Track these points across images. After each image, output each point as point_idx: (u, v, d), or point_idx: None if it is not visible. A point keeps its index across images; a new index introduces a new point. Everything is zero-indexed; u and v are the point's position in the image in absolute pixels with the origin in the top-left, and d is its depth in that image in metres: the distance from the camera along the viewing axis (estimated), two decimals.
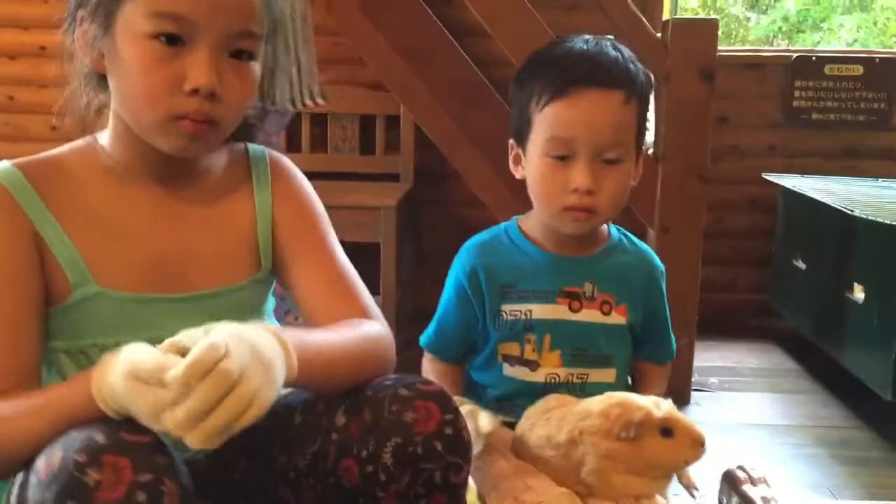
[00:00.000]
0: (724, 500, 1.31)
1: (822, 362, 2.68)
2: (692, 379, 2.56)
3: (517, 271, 1.23)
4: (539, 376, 1.22)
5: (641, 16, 2.37)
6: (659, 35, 2.34)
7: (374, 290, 2.82)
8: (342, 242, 2.68)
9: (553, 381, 1.22)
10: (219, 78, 0.93)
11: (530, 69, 1.22)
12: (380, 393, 0.95)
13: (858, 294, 2.40)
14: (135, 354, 0.82)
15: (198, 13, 0.92)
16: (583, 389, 1.21)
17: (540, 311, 1.22)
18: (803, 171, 3.22)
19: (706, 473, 1.95)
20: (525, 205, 2.47)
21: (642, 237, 2.58)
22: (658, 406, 1.04)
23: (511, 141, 1.26)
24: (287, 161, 1.16)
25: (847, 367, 2.48)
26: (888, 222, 2.22)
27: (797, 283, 2.91)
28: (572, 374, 1.22)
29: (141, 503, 0.76)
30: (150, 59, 0.92)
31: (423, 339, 1.34)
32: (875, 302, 2.31)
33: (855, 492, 1.99)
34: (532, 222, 1.28)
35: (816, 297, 2.75)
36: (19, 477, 0.89)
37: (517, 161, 1.25)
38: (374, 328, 1.03)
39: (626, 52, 1.21)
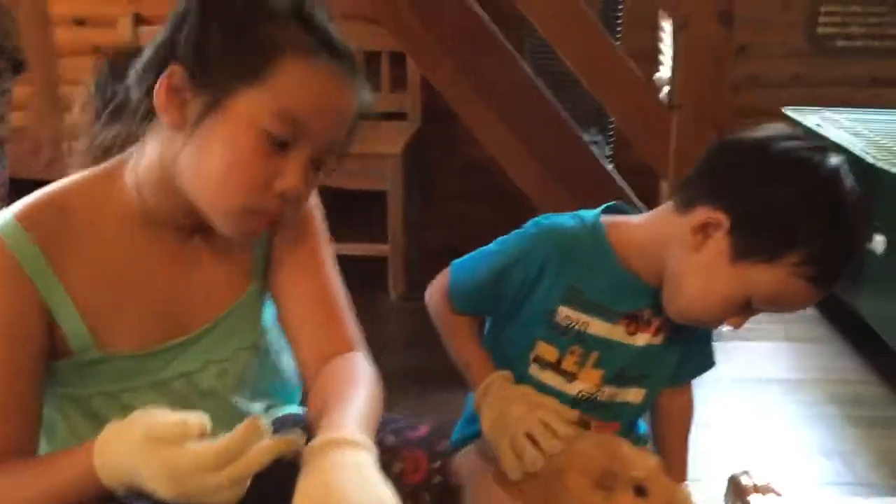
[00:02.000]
0: None
1: (839, 308, 2.63)
2: None
3: (589, 278, 1.13)
4: (571, 389, 1.15)
5: None
6: None
7: (381, 237, 2.80)
8: (349, 191, 2.63)
9: (582, 396, 1.16)
10: (305, 181, 0.91)
11: None
12: None
13: (879, 244, 2.32)
14: (151, 418, 0.81)
15: (319, 128, 0.90)
16: (610, 407, 1.17)
17: (597, 327, 1.13)
18: (828, 101, 3.08)
19: (722, 441, 1.96)
20: (530, 151, 2.40)
21: (655, 190, 2.53)
22: (644, 462, 1.01)
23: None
24: None
25: (864, 317, 2.43)
26: None
27: None
28: (604, 391, 1.17)
29: None
30: (253, 152, 0.89)
31: (454, 265, 1.21)
32: (894, 254, 2.25)
33: (867, 458, 1.97)
34: (627, 237, 1.15)
35: None
36: None
37: None
38: (366, 366, 0.99)
39: None
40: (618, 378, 1.16)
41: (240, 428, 0.79)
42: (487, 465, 1.13)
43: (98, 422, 0.88)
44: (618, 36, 2.77)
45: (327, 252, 1.06)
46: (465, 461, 1.18)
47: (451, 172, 3.17)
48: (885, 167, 2.23)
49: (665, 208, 1.14)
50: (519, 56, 2.42)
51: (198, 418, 0.81)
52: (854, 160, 2.40)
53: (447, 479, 0.93)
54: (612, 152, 2.89)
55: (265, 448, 0.79)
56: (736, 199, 1.04)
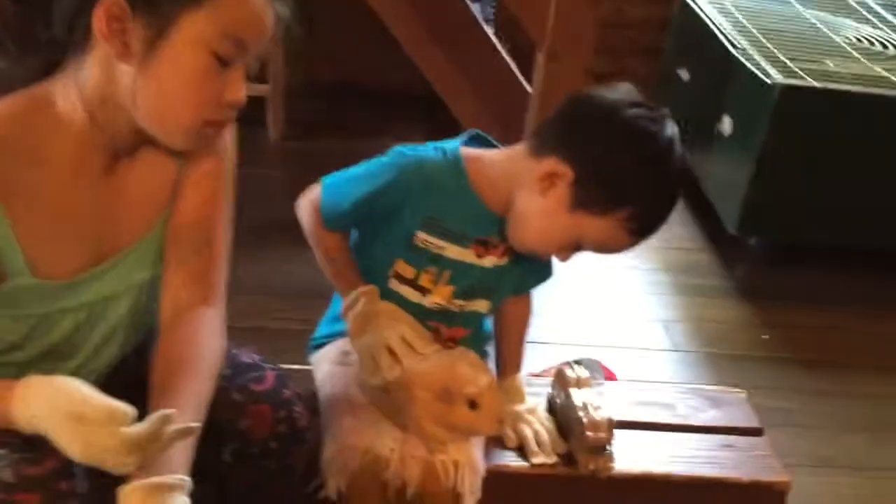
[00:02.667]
0: (556, 396, 1.51)
1: (691, 171, 2.86)
2: None
3: (447, 208, 1.24)
4: (425, 302, 1.28)
5: None
6: None
7: (262, 76, 2.77)
8: None
9: (436, 307, 1.30)
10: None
11: None
12: (216, 396, 1.01)
13: (726, 126, 2.52)
14: (80, 394, 0.88)
15: (255, 43, 0.98)
16: (457, 316, 1.32)
17: (451, 250, 1.25)
18: None
19: (571, 312, 2.17)
20: (417, 16, 2.42)
21: (529, 61, 2.61)
22: (476, 380, 1.19)
23: None
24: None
25: (706, 192, 2.67)
26: (759, 73, 2.29)
27: (678, 94, 2.99)
28: (455, 303, 1.31)
29: None
30: (203, 71, 0.95)
31: (326, 183, 1.29)
32: (738, 139, 2.45)
33: (687, 325, 2.25)
34: (484, 170, 1.25)
35: (692, 115, 2.86)
36: None
37: None
38: (213, 329, 1.07)
39: None
40: (466, 293, 1.30)
41: (154, 419, 0.87)
42: (346, 367, 1.29)
43: (26, 337, 0.99)
44: None
45: (227, 200, 1.14)
46: (321, 361, 1.34)
47: (338, 5, 3.09)
48: (740, 58, 2.38)
49: (519, 149, 1.25)
50: None
51: (126, 408, 0.88)
52: (717, 43, 2.55)
53: (293, 425, 1.06)
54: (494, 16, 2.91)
55: (170, 437, 0.89)
56: (581, 157, 1.16)
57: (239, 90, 0.98)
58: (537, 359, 1.72)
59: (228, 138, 1.13)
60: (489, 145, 1.31)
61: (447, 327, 1.31)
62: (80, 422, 0.87)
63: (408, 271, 1.28)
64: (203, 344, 1.04)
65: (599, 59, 3.34)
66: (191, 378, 1.00)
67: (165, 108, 0.97)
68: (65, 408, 0.88)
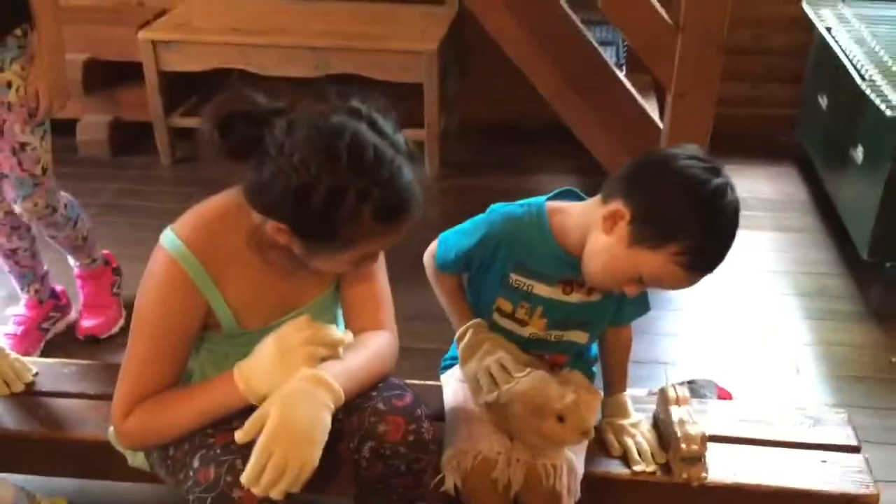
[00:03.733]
0: (658, 412, 1.70)
1: (830, 197, 2.92)
2: None
3: (532, 254, 1.48)
4: (524, 332, 1.54)
5: None
6: None
7: (418, 124, 3.11)
8: (388, 83, 2.94)
9: (534, 337, 1.56)
10: None
11: None
12: (366, 403, 1.32)
13: (859, 154, 2.59)
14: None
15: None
16: (557, 345, 1.56)
17: (540, 289, 1.50)
18: None
19: (699, 335, 2.33)
20: (553, 63, 2.65)
21: (661, 101, 2.77)
22: (563, 397, 1.40)
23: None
24: None
25: (842, 217, 2.74)
26: (882, 105, 2.36)
27: (817, 120, 3.06)
28: (551, 334, 1.56)
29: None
30: (341, 267, 1.36)
31: (442, 237, 1.57)
32: (869, 167, 2.52)
33: (816, 348, 2.34)
34: (562, 218, 1.47)
35: (829, 142, 2.93)
36: (158, 449, 1.37)
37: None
38: (385, 339, 1.40)
39: None
40: (560, 324, 1.53)
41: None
42: (465, 385, 1.56)
43: (221, 364, 1.33)
44: None
45: (381, 263, 1.46)
46: (448, 379, 1.62)
47: (489, 47, 3.30)
48: (869, 93, 2.45)
49: (596, 198, 1.46)
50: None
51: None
52: (847, 74, 2.62)
53: (419, 437, 1.31)
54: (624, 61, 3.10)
55: (340, 337, 1.27)
56: (638, 198, 1.35)
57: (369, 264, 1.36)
58: (667, 378, 1.87)
59: None
60: (578, 198, 1.53)
61: (549, 354, 1.54)
62: (277, 332, 1.25)
63: (506, 306, 1.53)
64: (375, 341, 1.38)
65: (740, 86, 3.46)
66: (363, 351, 1.34)
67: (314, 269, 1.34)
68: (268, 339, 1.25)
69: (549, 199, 1.51)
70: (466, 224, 1.53)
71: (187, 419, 1.30)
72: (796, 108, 3.35)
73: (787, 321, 2.46)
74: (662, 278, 1.37)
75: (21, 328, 2.25)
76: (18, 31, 1.91)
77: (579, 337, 1.56)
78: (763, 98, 3.52)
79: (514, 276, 1.50)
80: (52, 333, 2.32)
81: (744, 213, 3.00)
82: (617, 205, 1.37)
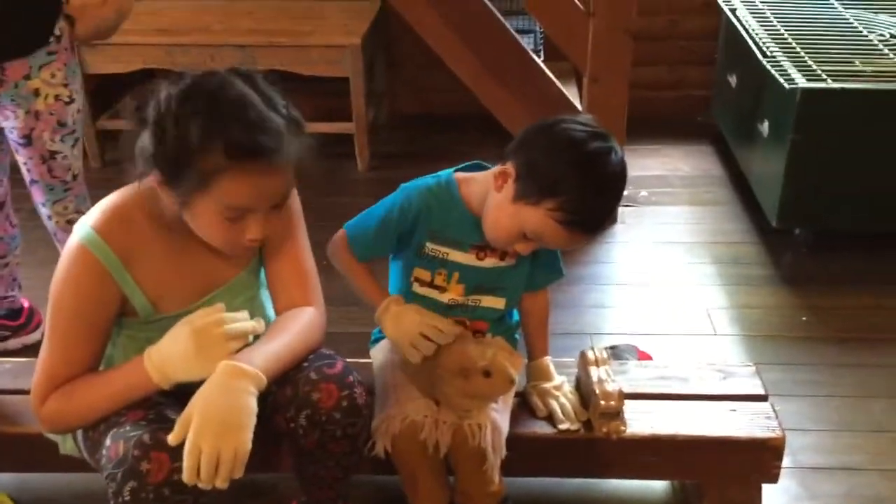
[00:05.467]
0: (579, 374, 1.79)
1: (742, 171, 3.06)
2: (623, 193, 2.97)
3: (445, 222, 1.56)
4: (443, 298, 1.61)
5: None
6: None
7: (346, 118, 3.16)
8: (314, 78, 2.98)
9: (453, 303, 1.63)
10: (266, 226, 1.33)
11: None
12: (298, 374, 1.38)
13: (765, 128, 2.73)
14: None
15: (251, 203, 1.29)
16: (475, 310, 1.64)
17: (455, 255, 1.58)
18: None
19: (624, 305, 2.45)
20: (474, 54, 2.73)
21: (578, 85, 2.88)
22: (484, 353, 1.49)
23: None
24: None
25: (752, 187, 2.88)
26: (783, 80, 2.50)
27: (728, 99, 3.21)
28: (468, 300, 1.63)
29: (176, 481, 1.22)
30: (219, 224, 1.31)
31: (348, 226, 1.63)
32: (774, 139, 2.66)
33: (730, 311, 2.48)
34: (471, 187, 1.56)
35: (739, 118, 3.08)
36: (80, 431, 1.40)
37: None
38: (310, 316, 1.45)
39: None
40: (477, 289, 1.61)
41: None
42: (393, 356, 1.63)
43: (143, 347, 1.35)
44: None
45: (299, 230, 1.50)
46: (377, 354, 1.69)
47: (413, 39, 3.20)
48: (772, 70, 2.59)
49: (498, 165, 1.54)
50: None
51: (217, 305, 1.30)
52: (752, 53, 2.76)
53: (353, 401, 1.37)
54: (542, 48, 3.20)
55: (251, 327, 1.30)
56: (523, 158, 1.45)
57: (254, 232, 1.31)
58: (590, 346, 1.94)
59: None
60: (485, 170, 1.61)
61: (470, 320, 1.63)
62: (191, 325, 1.27)
63: (424, 275, 1.60)
64: (299, 319, 1.43)
65: (658, 70, 3.60)
66: (285, 332, 1.39)
67: (204, 236, 1.35)
68: (181, 329, 1.28)
69: (457, 170, 1.59)
70: (376, 207, 1.60)
71: (103, 403, 1.34)
72: (711, 89, 3.49)
73: (703, 287, 2.59)
74: (543, 234, 1.45)
75: None
76: (51, 38, 1.90)
77: (496, 302, 1.64)
78: (679, 81, 3.66)
79: (429, 245, 1.58)
80: None
81: (662, 190, 3.15)
82: (506, 165, 1.47)
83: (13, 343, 2.27)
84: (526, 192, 1.43)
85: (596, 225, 1.46)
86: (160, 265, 1.39)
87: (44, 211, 2.09)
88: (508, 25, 2.82)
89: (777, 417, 1.71)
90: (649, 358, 2.14)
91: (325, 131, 3.15)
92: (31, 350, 2.17)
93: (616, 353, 2.10)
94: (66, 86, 1.95)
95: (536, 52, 3.05)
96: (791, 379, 2.20)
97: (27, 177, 2.05)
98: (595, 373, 1.71)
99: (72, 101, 1.97)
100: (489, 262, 1.59)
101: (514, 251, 1.53)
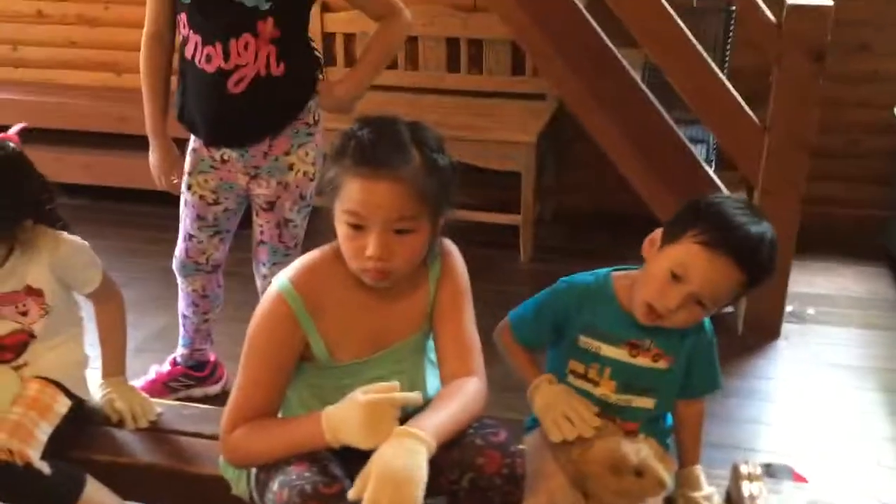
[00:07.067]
0: (731, 487, 1.77)
1: None
2: (787, 310, 2.93)
3: (600, 317, 1.63)
4: (595, 392, 1.66)
5: None
6: (774, 18, 2.52)
7: (515, 210, 3.27)
8: (489, 170, 3.14)
9: (604, 399, 1.68)
10: (387, 247, 1.44)
11: None
12: (464, 439, 1.46)
13: None
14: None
15: (365, 211, 1.43)
16: (626, 411, 1.66)
17: (607, 350, 1.64)
18: None
19: (782, 424, 2.38)
20: (645, 159, 2.79)
21: (749, 196, 2.89)
22: (637, 452, 1.51)
23: None
24: (453, 251, 1.64)
25: None
26: None
27: None
28: (620, 399, 1.66)
29: None
30: (345, 235, 1.47)
31: (512, 313, 1.74)
32: None
33: None
34: (626, 283, 1.63)
35: None
36: (254, 471, 1.54)
37: None
38: (474, 387, 1.53)
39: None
40: (628, 388, 1.64)
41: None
42: (545, 442, 1.68)
43: (320, 402, 1.48)
44: (727, 56, 3.10)
45: (467, 305, 1.61)
46: (531, 440, 1.74)
47: (586, 140, 3.26)
48: None
49: None
50: (633, 72, 2.82)
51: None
52: None
53: (513, 470, 1.44)
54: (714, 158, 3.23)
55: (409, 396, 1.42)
56: (670, 222, 1.56)
57: (372, 249, 1.42)
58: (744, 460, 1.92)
59: (461, 267, 1.62)
60: None
61: (621, 420, 1.66)
62: (367, 397, 1.40)
63: (578, 367, 1.66)
64: (465, 389, 1.51)
65: (835, 186, 3.53)
66: (452, 401, 1.48)
67: (344, 253, 1.48)
68: (356, 395, 1.41)
69: (615, 269, 1.67)
70: (538, 296, 1.69)
71: (276, 447, 1.48)
72: (889, 209, 3.39)
73: (870, 415, 2.48)
74: (688, 263, 1.50)
75: (151, 378, 2.48)
76: (310, 120, 2.17)
77: (646, 403, 1.67)
78: (857, 199, 3.58)
79: (583, 338, 1.64)
80: (182, 394, 2.46)
81: (831, 309, 3.06)
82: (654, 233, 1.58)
83: (197, 392, 2.48)
84: (670, 235, 1.53)
85: (740, 245, 1.49)
86: (342, 317, 1.53)
87: (263, 270, 2.30)
88: (682, 134, 2.87)
89: None
90: (805, 481, 2.08)
91: (493, 221, 3.34)
92: (212, 400, 2.39)
93: (770, 471, 2.05)
94: (314, 164, 2.19)
95: (709, 161, 3.08)
96: None
97: (258, 238, 2.28)
98: (747, 488, 1.69)
99: (314, 178, 2.20)
100: (642, 360, 1.63)
101: (670, 315, 1.54)
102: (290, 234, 2.24)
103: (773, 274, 1.56)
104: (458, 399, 1.50)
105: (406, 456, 1.34)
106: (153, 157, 2.24)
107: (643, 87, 2.83)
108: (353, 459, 1.41)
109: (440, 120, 3.40)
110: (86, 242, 1.85)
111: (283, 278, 1.53)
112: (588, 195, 3.75)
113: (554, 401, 1.60)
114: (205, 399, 2.44)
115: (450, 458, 1.46)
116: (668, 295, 1.53)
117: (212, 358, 2.50)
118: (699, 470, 1.74)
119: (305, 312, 1.51)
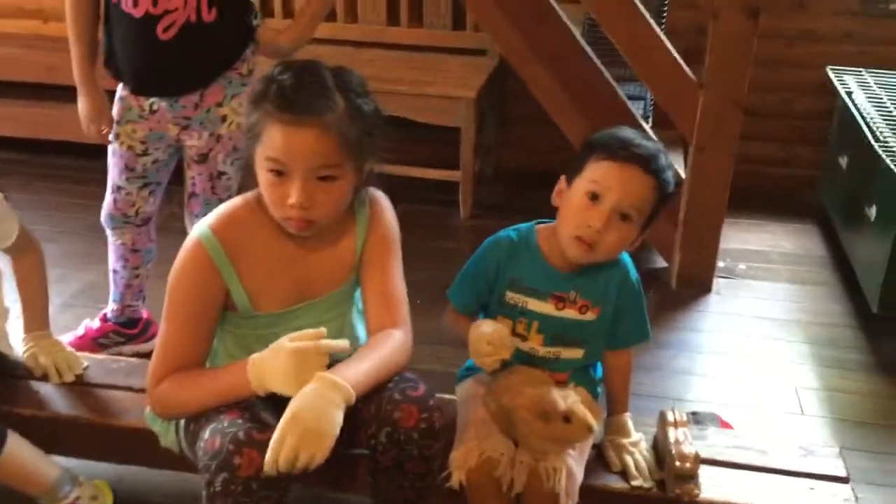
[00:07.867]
0: (657, 433, 1.81)
1: (846, 253, 3.02)
2: (719, 265, 2.98)
3: (524, 271, 1.65)
4: (524, 346, 1.68)
5: None
6: None
7: (455, 166, 3.26)
8: (428, 125, 3.12)
9: (532, 352, 1.69)
10: (310, 195, 1.42)
11: None
12: (382, 394, 1.46)
13: (872, 211, 2.69)
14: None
15: (287, 158, 1.41)
16: (556, 362, 1.69)
17: (533, 304, 1.65)
18: (878, 60, 3.35)
19: (711, 375, 2.45)
20: (582, 113, 2.80)
21: (685, 155, 2.92)
22: (565, 399, 1.53)
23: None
24: (382, 200, 1.62)
25: (855, 271, 2.84)
26: (894, 166, 2.48)
27: (837, 180, 3.18)
28: (549, 351, 1.68)
29: (263, 477, 1.33)
30: (267, 182, 1.44)
31: (449, 292, 1.74)
32: (880, 224, 2.62)
33: (820, 393, 2.43)
34: (548, 235, 1.65)
35: (846, 200, 3.04)
36: (182, 422, 1.52)
37: None
38: (398, 339, 1.53)
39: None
40: (556, 340, 1.66)
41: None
42: (477, 393, 1.69)
43: (246, 352, 1.46)
44: (664, 14, 3.11)
45: (395, 256, 1.60)
46: (462, 389, 1.76)
47: (526, 98, 3.24)
48: (883, 154, 2.57)
49: None
50: (572, 26, 2.81)
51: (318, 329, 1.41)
52: (864, 136, 2.75)
53: (431, 424, 1.45)
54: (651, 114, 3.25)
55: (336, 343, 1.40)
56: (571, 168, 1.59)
57: (294, 196, 1.40)
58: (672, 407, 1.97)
59: (389, 217, 1.61)
60: None
61: (551, 372, 1.67)
62: (294, 344, 1.37)
63: (506, 323, 1.66)
64: (389, 342, 1.51)
65: (768, 146, 3.59)
66: (376, 352, 1.48)
67: (266, 200, 1.47)
68: (282, 341, 1.38)
69: (539, 222, 1.68)
70: (466, 266, 1.70)
71: (204, 397, 1.46)
72: (820, 169, 3.46)
73: (794, 366, 2.55)
74: (600, 179, 1.53)
75: (80, 334, 2.41)
76: (244, 70, 2.11)
77: (575, 354, 1.69)
78: (790, 159, 3.64)
79: (510, 294, 1.65)
80: (112, 351, 2.38)
81: (762, 265, 3.12)
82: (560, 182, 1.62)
83: (127, 349, 2.42)
84: (575, 172, 1.57)
85: (641, 154, 1.53)
86: (264, 267, 1.52)
87: (195, 223, 2.24)
88: (620, 91, 2.88)
89: (856, 502, 1.69)
90: (731, 428, 2.13)
91: (433, 177, 3.32)
92: (143, 357, 2.33)
93: (697, 418, 2.10)
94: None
95: (645, 118, 3.10)
96: (880, 468, 2.15)
97: (189, 190, 2.23)
98: (673, 434, 1.73)
99: None
100: (568, 312, 1.65)
101: (599, 238, 1.54)
102: (223, 187, 2.20)
103: (677, 184, 1.64)
104: (382, 350, 1.49)
105: (322, 403, 1.33)
106: (82, 105, 2.16)
107: (582, 41, 2.83)
108: (286, 406, 1.38)
109: (379, 74, 3.36)
110: (1, 194, 1.79)
111: (202, 225, 1.50)
112: (529, 152, 3.74)
113: (484, 327, 1.60)
114: (136, 357, 2.38)
115: (367, 412, 1.46)
116: (591, 217, 1.53)
117: (144, 315, 2.45)
118: (627, 417, 1.78)
119: (226, 259, 1.48)
